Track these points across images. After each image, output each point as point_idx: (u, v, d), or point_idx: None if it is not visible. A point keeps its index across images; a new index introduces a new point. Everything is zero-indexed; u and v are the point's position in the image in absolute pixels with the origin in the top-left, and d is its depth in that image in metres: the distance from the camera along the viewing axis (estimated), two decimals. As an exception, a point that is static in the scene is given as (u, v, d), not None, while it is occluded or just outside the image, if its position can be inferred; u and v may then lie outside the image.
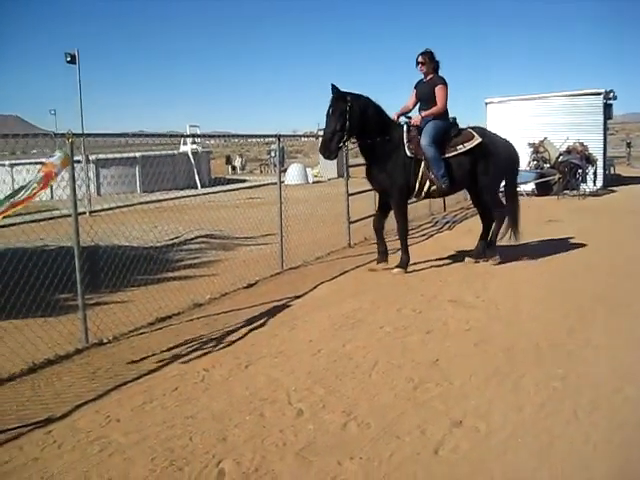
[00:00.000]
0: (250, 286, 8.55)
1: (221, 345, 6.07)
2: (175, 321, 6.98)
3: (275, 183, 10.08)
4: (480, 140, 9.10)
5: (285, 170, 28.40)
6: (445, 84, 9.07)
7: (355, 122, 8.52)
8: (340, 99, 8.46)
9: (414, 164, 8.89)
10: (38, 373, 5.58)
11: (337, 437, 4.19)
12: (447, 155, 8.96)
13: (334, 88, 8.47)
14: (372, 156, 8.94)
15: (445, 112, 9.13)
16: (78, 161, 18.08)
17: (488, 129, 10.34)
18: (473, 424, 4.31)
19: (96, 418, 4.63)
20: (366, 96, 8.78)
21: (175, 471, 3.83)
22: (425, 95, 9.20)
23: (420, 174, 8.91)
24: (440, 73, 9.28)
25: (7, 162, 27.44)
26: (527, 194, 19.17)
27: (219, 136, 21.64)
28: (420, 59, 9.15)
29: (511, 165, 9.74)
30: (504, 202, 9.76)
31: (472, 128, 9.56)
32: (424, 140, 8.84)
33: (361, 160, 9.61)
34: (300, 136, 34.45)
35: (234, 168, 45.07)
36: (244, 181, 32.52)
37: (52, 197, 25.04)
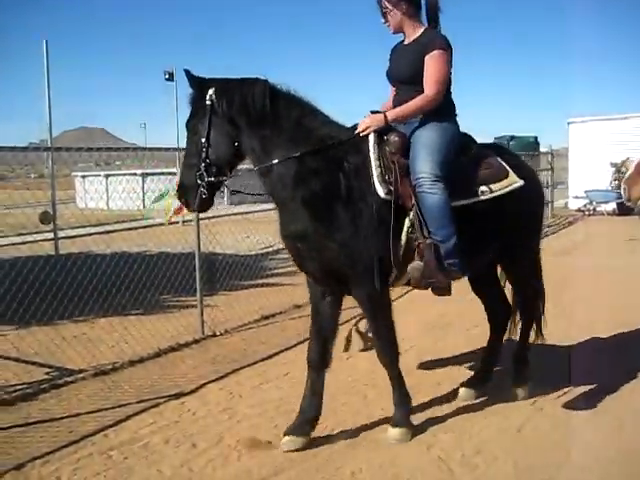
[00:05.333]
0: (343, 292, 9.23)
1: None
2: (279, 319, 7.75)
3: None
4: (520, 183, 4.76)
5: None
6: (444, 47, 4.47)
7: (228, 136, 4.32)
8: (198, 93, 4.33)
9: (394, 216, 4.23)
10: (164, 357, 6.42)
11: (431, 415, 4.83)
12: (460, 202, 4.49)
13: (188, 75, 4.32)
14: (295, 200, 4.29)
15: (447, 106, 4.64)
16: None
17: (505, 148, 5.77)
18: (552, 411, 4.87)
19: (221, 394, 5.40)
20: (260, 79, 4.35)
21: (295, 436, 4.54)
22: (403, 72, 4.66)
23: (405, 238, 4.36)
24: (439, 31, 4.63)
25: (139, 171, 29.22)
26: (608, 214, 19.40)
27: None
28: (384, 3, 4.57)
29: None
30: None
31: (492, 148, 5.16)
32: (424, 166, 4.34)
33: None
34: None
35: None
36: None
37: (144, 206, 26.53)
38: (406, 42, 4.69)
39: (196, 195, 4.37)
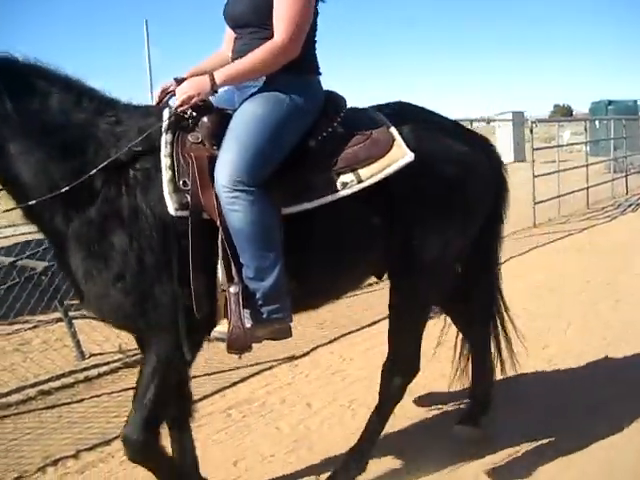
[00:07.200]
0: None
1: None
2: (380, 286, 7.82)
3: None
4: (410, 157, 3.01)
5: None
6: None
7: None
8: None
9: (197, 242, 2.68)
10: (273, 323, 6.63)
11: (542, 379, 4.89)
12: (297, 207, 2.90)
13: None
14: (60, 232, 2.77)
15: (300, 62, 2.92)
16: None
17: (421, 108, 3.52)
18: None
19: (332, 357, 5.59)
20: None
21: (407, 397, 4.67)
22: (242, 8, 3.01)
23: (205, 273, 2.74)
24: None
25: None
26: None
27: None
28: None
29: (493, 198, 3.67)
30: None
31: (388, 110, 3.27)
32: (222, 168, 2.73)
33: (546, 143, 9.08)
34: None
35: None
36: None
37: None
38: None
39: None
